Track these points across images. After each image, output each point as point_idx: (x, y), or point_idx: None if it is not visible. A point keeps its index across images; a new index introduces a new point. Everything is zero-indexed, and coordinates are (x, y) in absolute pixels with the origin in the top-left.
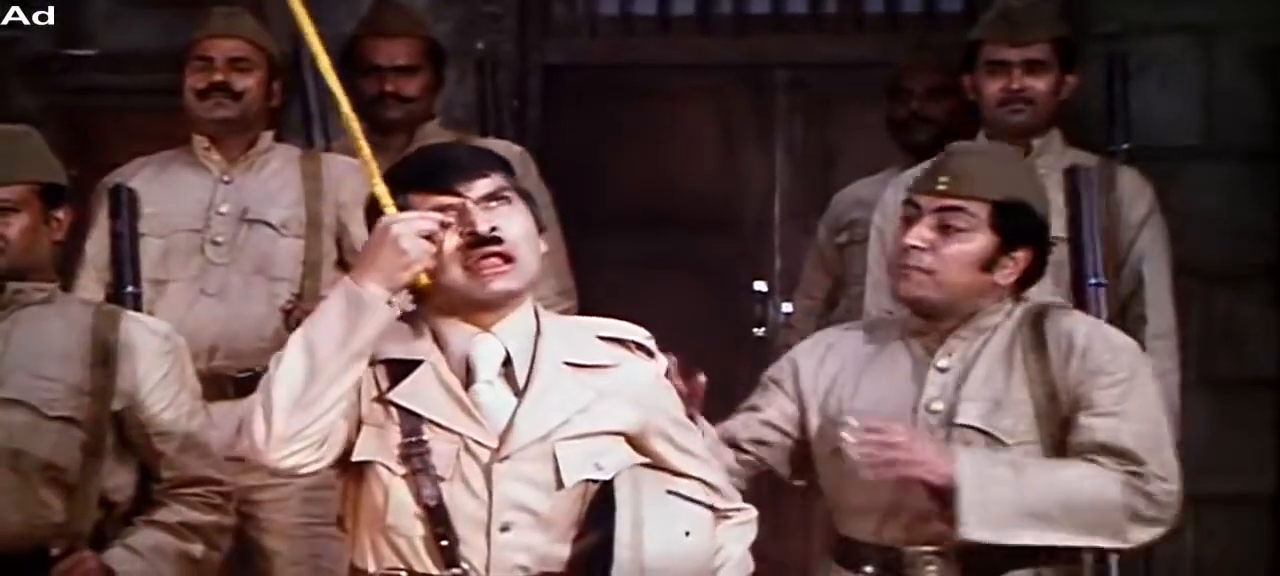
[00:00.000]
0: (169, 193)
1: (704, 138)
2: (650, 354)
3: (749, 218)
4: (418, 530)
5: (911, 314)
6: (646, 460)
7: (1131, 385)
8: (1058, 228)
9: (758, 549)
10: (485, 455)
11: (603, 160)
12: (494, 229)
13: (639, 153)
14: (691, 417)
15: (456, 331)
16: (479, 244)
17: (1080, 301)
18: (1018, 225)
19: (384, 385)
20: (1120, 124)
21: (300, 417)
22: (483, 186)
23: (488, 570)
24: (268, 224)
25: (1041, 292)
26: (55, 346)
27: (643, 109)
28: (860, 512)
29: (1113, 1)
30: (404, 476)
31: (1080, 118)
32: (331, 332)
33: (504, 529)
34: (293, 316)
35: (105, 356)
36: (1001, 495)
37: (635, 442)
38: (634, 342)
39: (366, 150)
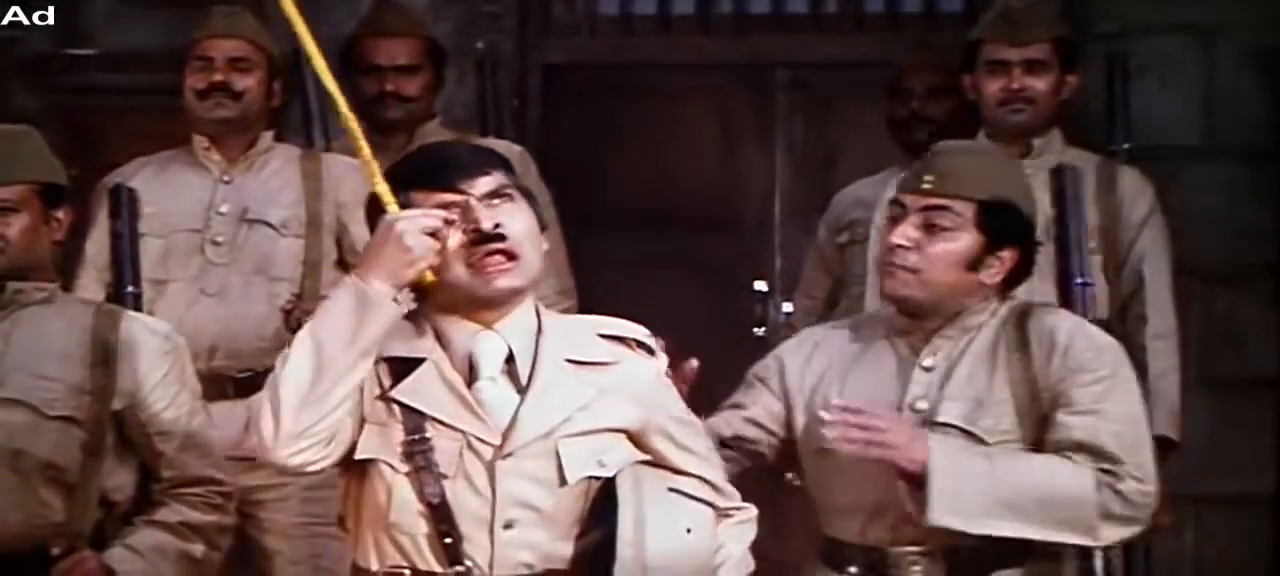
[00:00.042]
0: (169, 192)
1: (704, 137)
2: (651, 352)
3: (749, 217)
4: (421, 528)
5: (897, 312)
6: (647, 458)
7: (1112, 384)
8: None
9: (757, 548)
10: (488, 452)
11: (603, 160)
12: (497, 226)
13: (639, 152)
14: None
15: (459, 329)
16: (483, 241)
17: (1066, 301)
18: (1003, 224)
19: (386, 383)
20: (1120, 124)
21: (309, 414)
22: (485, 183)
23: (491, 568)
24: (268, 224)
25: (1029, 292)
26: (55, 346)
27: (643, 109)
28: (845, 512)
29: (1113, 1)
30: (407, 474)
31: (1081, 117)
32: (339, 330)
33: (507, 526)
34: (292, 316)
35: (105, 356)
36: (973, 484)
37: (636, 440)
38: (634, 340)
39: (366, 149)
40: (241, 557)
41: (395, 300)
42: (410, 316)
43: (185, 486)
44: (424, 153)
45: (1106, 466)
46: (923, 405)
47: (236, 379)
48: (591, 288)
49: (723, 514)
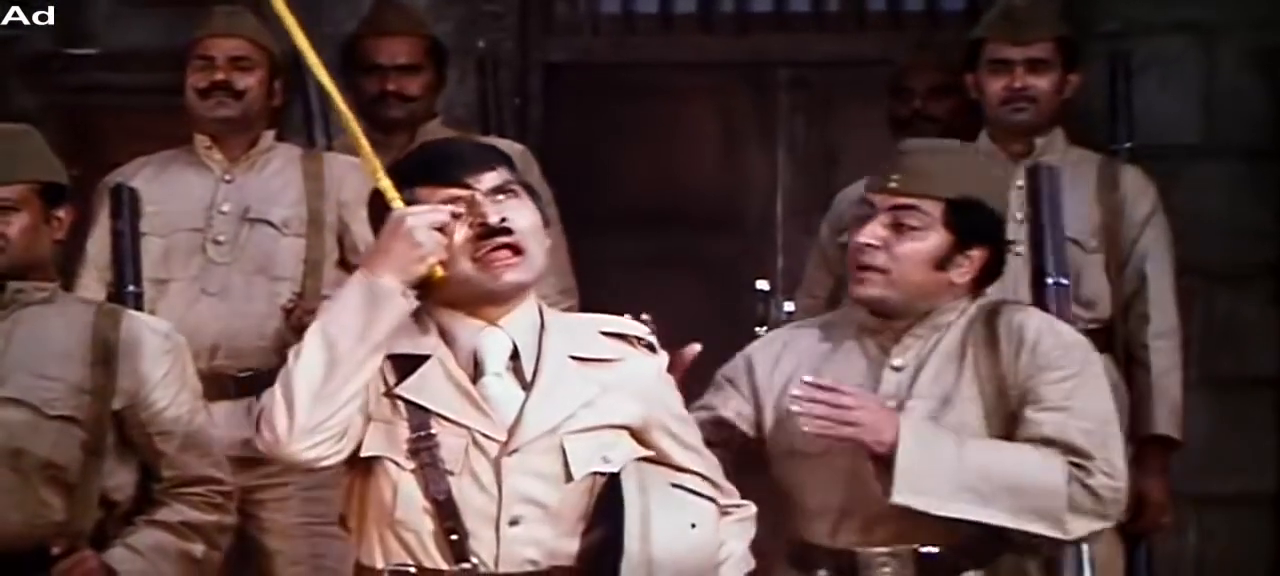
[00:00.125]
0: (170, 192)
1: (706, 136)
2: (652, 349)
3: (751, 216)
4: (427, 525)
5: (867, 312)
6: (649, 454)
7: (1081, 381)
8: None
9: (757, 548)
10: (494, 449)
11: (604, 159)
12: (503, 220)
13: (641, 151)
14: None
15: (463, 325)
16: (489, 235)
17: (1039, 300)
18: (972, 223)
19: (391, 380)
20: (1123, 123)
21: (321, 409)
22: (490, 179)
23: (497, 564)
24: (269, 223)
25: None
26: (56, 346)
27: (644, 108)
28: (815, 514)
29: (1115, 0)
30: (412, 471)
31: (1083, 116)
32: (350, 325)
33: (513, 522)
34: (293, 315)
35: (106, 355)
36: (941, 466)
37: (638, 436)
38: (636, 338)
39: (366, 145)
40: (242, 557)
41: (404, 295)
42: (414, 313)
43: (186, 486)
44: (428, 149)
45: (1077, 461)
46: (892, 405)
47: (237, 378)
48: (593, 287)
49: (723, 511)
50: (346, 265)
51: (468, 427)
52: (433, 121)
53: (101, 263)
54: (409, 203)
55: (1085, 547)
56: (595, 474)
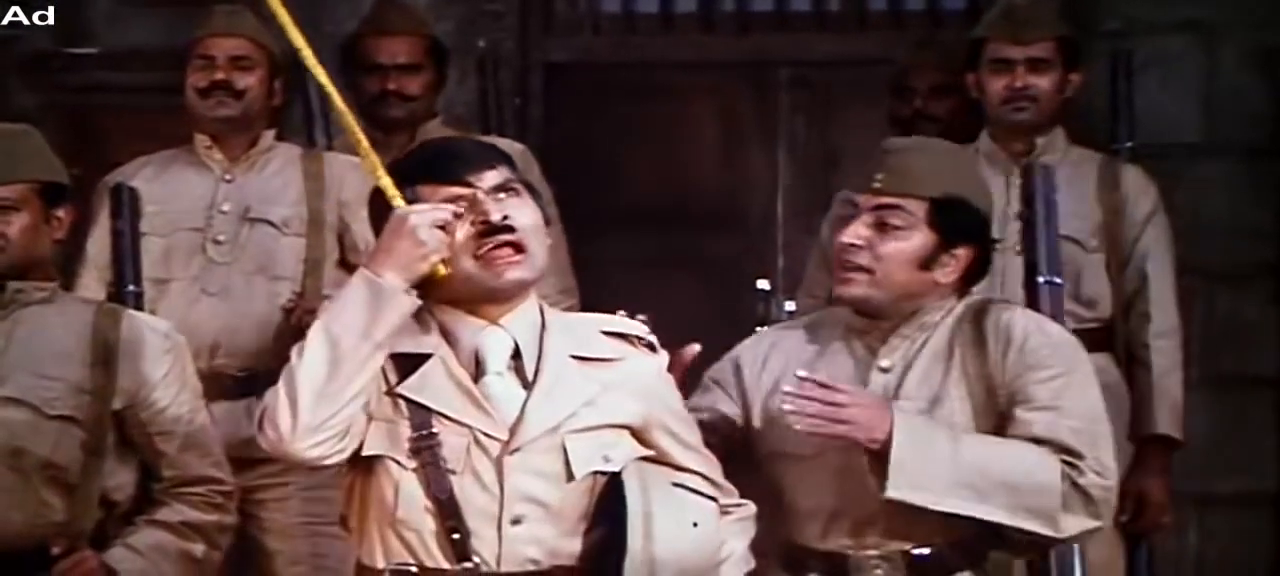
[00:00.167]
0: (170, 191)
1: (707, 136)
2: (652, 348)
3: (752, 216)
4: (428, 524)
5: (854, 313)
6: (650, 454)
7: (1069, 379)
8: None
9: (757, 547)
10: (495, 448)
11: (605, 158)
12: (506, 218)
13: (641, 151)
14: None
15: (464, 324)
16: (491, 233)
17: (1031, 299)
18: (956, 222)
19: (393, 379)
20: (1124, 122)
21: (325, 408)
22: (492, 177)
23: (498, 563)
24: (269, 223)
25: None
26: (56, 345)
27: (645, 107)
28: (806, 516)
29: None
30: (414, 470)
31: (1084, 116)
32: (353, 323)
33: (515, 521)
34: (294, 315)
35: (106, 355)
36: (935, 460)
37: (639, 435)
38: (637, 337)
39: (366, 143)
40: (242, 557)
41: (407, 294)
42: (415, 313)
43: (186, 486)
44: (429, 147)
45: (1068, 460)
46: None
47: (237, 378)
48: (594, 286)
49: (723, 510)
50: (347, 265)
51: (469, 426)
52: (433, 121)
53: (102, 262)
54: (410, 201)
55: (1077, 548)
56: (596, 473)
